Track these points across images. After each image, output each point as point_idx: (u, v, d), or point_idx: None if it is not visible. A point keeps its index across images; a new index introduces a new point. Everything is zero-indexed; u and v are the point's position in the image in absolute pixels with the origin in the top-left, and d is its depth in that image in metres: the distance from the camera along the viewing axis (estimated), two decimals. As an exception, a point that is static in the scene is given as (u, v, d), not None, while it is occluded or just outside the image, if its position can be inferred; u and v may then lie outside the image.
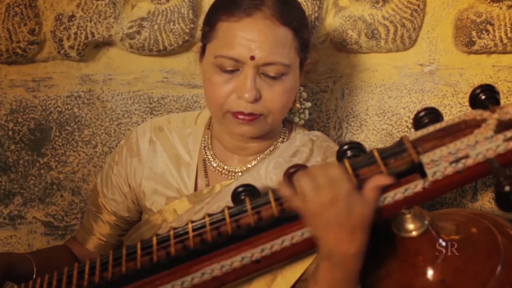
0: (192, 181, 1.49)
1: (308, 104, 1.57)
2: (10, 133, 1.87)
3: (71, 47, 1.76)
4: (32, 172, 1.89)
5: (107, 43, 1.81)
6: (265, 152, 1.48)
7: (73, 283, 1.11)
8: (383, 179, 1.02)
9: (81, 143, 1.87)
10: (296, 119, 1.57)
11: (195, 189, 1.49)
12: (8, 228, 1.92)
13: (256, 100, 1.33)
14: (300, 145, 1.48)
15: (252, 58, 1.30)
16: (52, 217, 1.91)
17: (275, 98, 1.34)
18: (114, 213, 1.56)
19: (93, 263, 1.13)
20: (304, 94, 1.57)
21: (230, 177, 1.48)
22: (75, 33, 1.75)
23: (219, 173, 1.49)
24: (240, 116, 1.35)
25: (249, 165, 1.47)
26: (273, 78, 1.34)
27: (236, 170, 1.48)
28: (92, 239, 1.58)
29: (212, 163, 1.49)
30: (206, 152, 1.51)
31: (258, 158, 1.48)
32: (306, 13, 1.71)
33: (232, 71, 1.34)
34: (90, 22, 1.75)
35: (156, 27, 1.73)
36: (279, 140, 1.50)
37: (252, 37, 1.30)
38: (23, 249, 1.92)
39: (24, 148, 1.88)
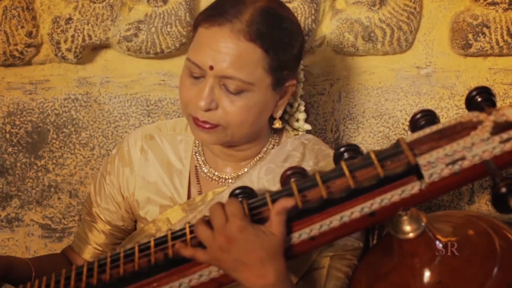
0: (185, 188, 1.48)
1: (307, 127, 1.53)
2: (8, 135, 1.87)
3: (68, 50, 1.76)
4: (30, 174, 1.88)
5: (104, 45, 1.81)
6: (255, 158, 1.47)
7: (71, 285, 1.11)
8: (285, 202, 1.04)
9: (78, 145, 1.86)
10: (287, 127, 1.53)
11: (188, 196, 1.48)
12: (6, 230, 1.92)
13: (211, 109, 1.31)
14: (292, 149, 1.46)
15: (211, 68, 1.29)
16: (50, 220, 1.91)
17: (233, 111, 1.31)
18: (108, 222, 1.56)
19: (91, 265, 1.13)
20: (302, 113, 1.52)
21: (221, 183, 1.47)
22: (72, 36, 1.75)
23: (211, 180, 1.48)
24: (198, 122, 1.34)
25: (240, 172, 1.46)
26: (233, 93, 1.31)
27: (227, 177, 1.47)
28: (88, 248, 1.58)
29: (203, 168, 1.48)
30: (197, 158, 1.50)
31: (249, 164, 1.46)
32: (303, 17, 1.72)
33: (198, 77, 1.33)
34: (88, 24, 1.75)
35: (153, 29, 1.73)
36: (270, 146, 1.48)
37: (216, 48, 1.29)
38: (20, 252, 1.92)
39: (21, 151, 1.87)
